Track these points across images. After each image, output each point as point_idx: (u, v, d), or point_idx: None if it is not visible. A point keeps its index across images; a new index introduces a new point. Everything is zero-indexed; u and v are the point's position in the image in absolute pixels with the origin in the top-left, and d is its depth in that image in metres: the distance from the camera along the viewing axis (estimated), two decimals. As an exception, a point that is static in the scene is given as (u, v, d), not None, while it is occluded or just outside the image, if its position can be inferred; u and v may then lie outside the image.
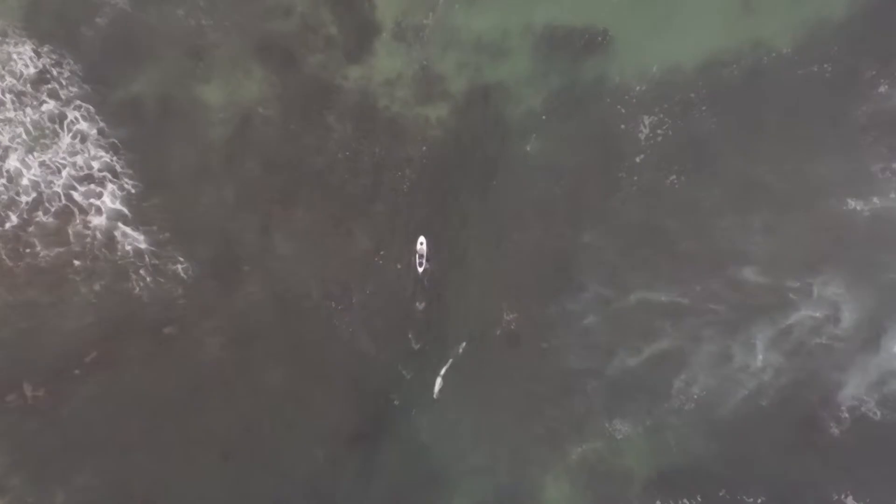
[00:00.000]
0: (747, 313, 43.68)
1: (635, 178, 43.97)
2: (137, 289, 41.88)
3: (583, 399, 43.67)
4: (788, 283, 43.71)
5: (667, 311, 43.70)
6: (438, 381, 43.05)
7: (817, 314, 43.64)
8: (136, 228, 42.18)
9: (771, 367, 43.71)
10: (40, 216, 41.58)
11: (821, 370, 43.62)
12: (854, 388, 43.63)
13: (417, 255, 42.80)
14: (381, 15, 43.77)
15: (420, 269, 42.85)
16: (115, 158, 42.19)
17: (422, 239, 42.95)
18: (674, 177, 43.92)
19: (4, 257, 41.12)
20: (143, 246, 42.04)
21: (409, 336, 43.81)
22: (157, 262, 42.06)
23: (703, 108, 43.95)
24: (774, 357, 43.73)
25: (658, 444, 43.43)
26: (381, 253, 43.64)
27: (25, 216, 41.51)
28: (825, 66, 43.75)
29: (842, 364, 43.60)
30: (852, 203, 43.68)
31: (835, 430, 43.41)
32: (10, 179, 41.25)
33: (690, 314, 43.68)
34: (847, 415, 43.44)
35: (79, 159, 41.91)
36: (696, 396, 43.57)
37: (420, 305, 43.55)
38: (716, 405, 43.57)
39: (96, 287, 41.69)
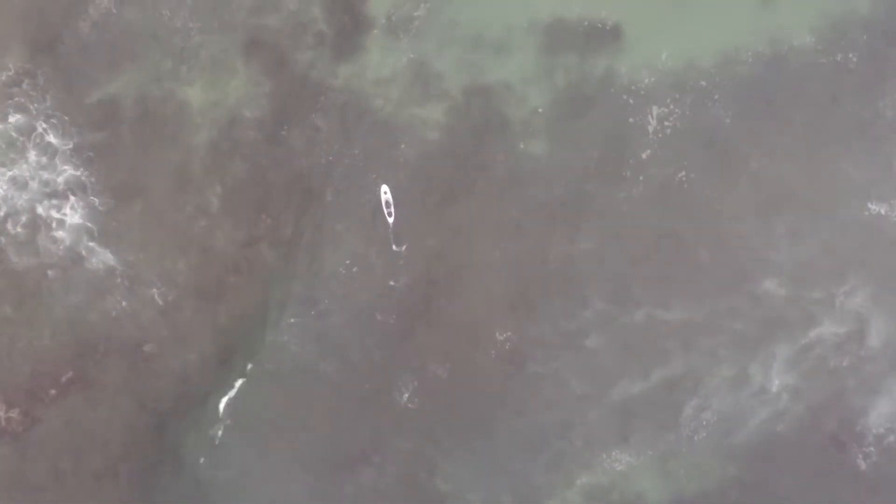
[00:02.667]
0: (767, 330, 40.78)
1: (641, 177, 41.05)
2: (114, 309, 40.04)
3: (583, 429, 41.16)
4: (812, 294, 40.81)
5: (677, 329, 40.84)
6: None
7: (841, 330, 40.82)
8: (105, 246, 40.13)
9: (790, 390, 40.90)
10: (10, 229, 39.68)
11: (845, 393, 40.86)
12: (881, 415, 40.95)
13: (384, 205, 41.14)
14: (374, 9, 41.17)
15: (391, 220, 41.18)
16: (86, 173, 40.05)
17: (385, 188, 41.17)
18: (683, 174, 40.95)
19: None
20: (114, 265, 40.12)
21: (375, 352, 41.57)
22: (129, 283, 40.10)
23: (716, 96, 40.94)
24: (794, 379, 40.93)
25: (671, 474, 41.01)
26: (353, 269, 41.40)
27: (-4, 229, 40.10)
28: (850, 55, 40.47)
29: (869, 386, 40.89)
30: (880, 206, 40.75)
31: (860, 460, 40.76)
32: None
33: (703, 332, 40.85)
34: (873, 447, 40.72)
35: (46, 174, 39.80)
36: (709, 423, 40.89)
37: (391, 319, 41.36)
38: (731, 432, 40.93)
39: (71, 304, 39.96)
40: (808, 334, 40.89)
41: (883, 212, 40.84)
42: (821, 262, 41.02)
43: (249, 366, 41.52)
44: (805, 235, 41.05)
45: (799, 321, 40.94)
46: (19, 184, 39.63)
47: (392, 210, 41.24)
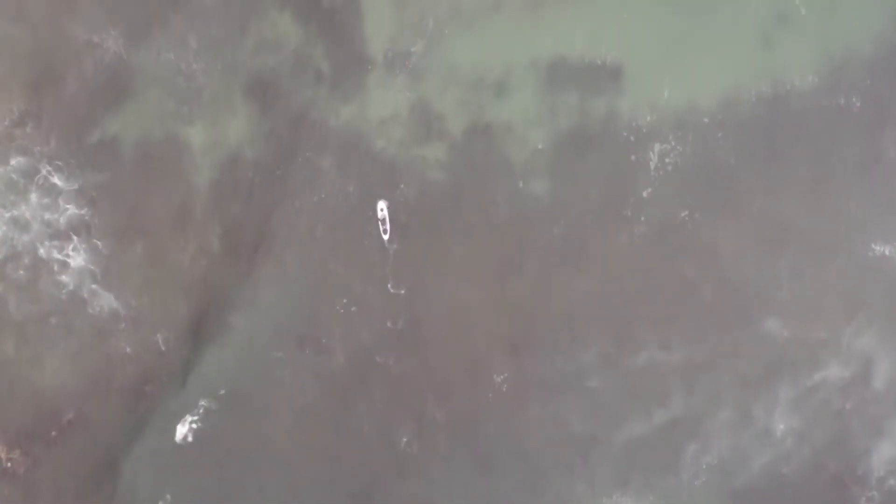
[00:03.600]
0: (770, 371, 40.62)
1: (642, 217, 40.85)
2: (117, 353, 39.94)
3: (584, 471, 40.90)
4: (816, 336, 40.63)
5: (679, 370, 40.55)
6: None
7: (846, 373, 40.51)
8: (108, 289, 40.00)
9: (794, 433, 40.66)
10: (11, 273, 39.52)
11: (850, 436, 40.68)
12: (882, 458, 40.63)
13: (380, 222, 40.93)
14: (373, 48, 40.93)
15: (386, 237, 40.93)
16: (89, 212, 39.90)
17: (382, 205, 40.98)
18: (685, 213, 40.77)
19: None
20: (117, 307, 40.02)
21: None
22: (132, 327, 39.97)
23: (719, 134, 40.73)
24: (798, 422, 40.69)
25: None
26: (351, 308, 41.29)
27: (-3, 272, 39.90)
28: (853, 99, 40.27)
29: (874, 429, 40.71)
30: (884, 247, 40.57)
31: (864, 503, 40.55)
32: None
33: (705, 373, 40.60)
34: (876, 491, 40.41)
35: (49, 214, 39.68)
36: (711, 466, 40.63)
37: (390, 360, 41.12)
38: (734, 474, 40.72)
39: (74, 347, 39.87)
40: (812, 376, 40.62)
41: (887, 252, 40.62)
42: (825, 302, 40.92)
43: (222, 391, 41.14)
44: (809, 276, 40.88)
45: (803, 362, 40.75)
46: (21, 224, 39.55)
47: (388, 227, 41.07)
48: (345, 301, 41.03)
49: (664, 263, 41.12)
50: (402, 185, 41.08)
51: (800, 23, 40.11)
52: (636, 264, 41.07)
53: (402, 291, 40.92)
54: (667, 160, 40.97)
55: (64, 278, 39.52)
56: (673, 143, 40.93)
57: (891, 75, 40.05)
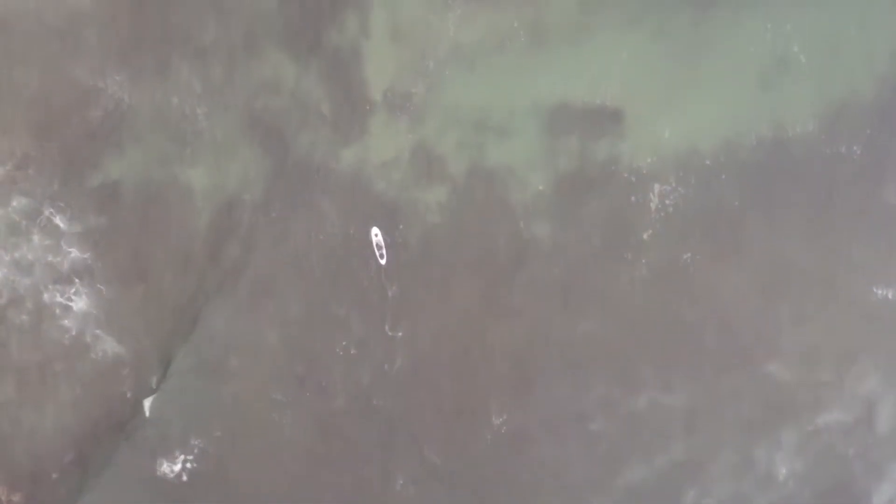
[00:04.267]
0: (772, 415, 40.58)
1: (644, 259, 40.80)
2: (117, 393, 40.10)
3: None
4: (818, 379, 40.65)
5: (681, 413, 40.52)
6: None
7: (849, 417, 40.31)
8: (111, 333, 40.05)
9: (796, 476, 40.50)
10: (14, 316, 39.45)
11: (852, 479, 40.67)
12: (883, 501, 40.49)
13: (376, 247, 40.94)
14: (374, 90, 40.97)
15: (382, 262, 40.97)
16: (92, 256, 39.89)
17: (376, 230, 40.95)
18: (688, 255, 40.72)
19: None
20: (121, 352, 40.12)
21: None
22: (134, 373, 40.16)
23: (723, 176, 40.69)
24: (800, 465, 40.57)
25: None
26: (350, 351, 41.25)
27: (-1, 315, 39.74)
28: (854, 147, 40.28)
29: (876, 472, 40.66)
30: (886, 290, 40.52)
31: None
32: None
33: (707, 416, 40.56)
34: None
35: (51, 257, 39.62)
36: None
37: (388, 403, 41.04)
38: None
39: (76, 390, 39.91)
40: (814, 419, 40.50)
41: (890, 296, 40.49)
42: (826, 345, 40.84)
43: (217, 433, 41.07)
44: (810, 319, 40.87)
45: (805, 405, 40.66)
46: (23, 267, 39.46)
47: (384, 252, 41.03)
48: (344, 343, 41.04)
49: (665, 305, 41.04)
50: (401, 226, 41.14)
51: (799, 69, 40.17)
52: (637, 305, 40.98)
53: (400, 334, 40.96)
54: (668, 202, 40.95)
55: (66, 323, 39.50)
56: (674, 185, 40.90)
57: (891, 122, 40.08)
